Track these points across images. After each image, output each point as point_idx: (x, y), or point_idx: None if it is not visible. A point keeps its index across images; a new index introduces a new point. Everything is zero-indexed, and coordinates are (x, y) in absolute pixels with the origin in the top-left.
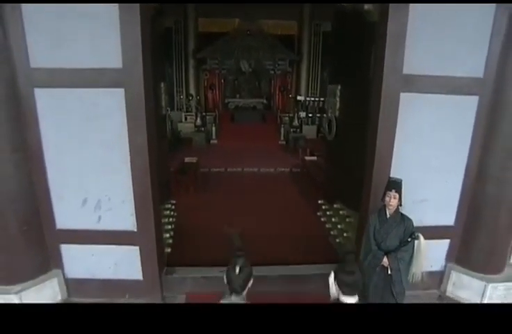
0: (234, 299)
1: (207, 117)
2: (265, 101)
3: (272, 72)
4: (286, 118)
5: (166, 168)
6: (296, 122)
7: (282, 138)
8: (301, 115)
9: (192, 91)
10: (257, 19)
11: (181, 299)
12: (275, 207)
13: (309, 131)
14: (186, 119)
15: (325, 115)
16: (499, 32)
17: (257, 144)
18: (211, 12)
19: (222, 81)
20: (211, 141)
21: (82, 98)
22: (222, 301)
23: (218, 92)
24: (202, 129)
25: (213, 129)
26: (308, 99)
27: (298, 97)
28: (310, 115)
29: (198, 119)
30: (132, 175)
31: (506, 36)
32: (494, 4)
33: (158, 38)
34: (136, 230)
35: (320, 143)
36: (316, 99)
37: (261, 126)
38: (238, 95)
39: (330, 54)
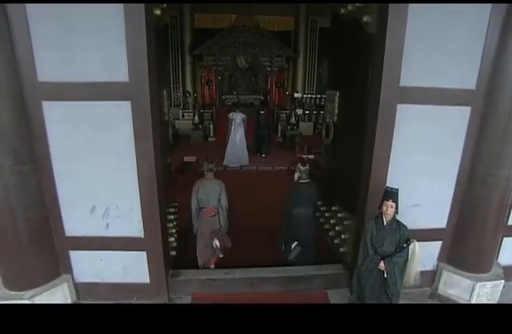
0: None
1: (204, 114)
2: (262, 97)
3: (269, 69)
4: (283, 115)
5: (169, 171)
6: (292, 120)
7: (279, 135)
8: (298, 112)
9: (189, 87)
10: (254, 14)
11: (186, 300)
12: (274, 207)
13: (306, 127)
14: (183, 116)
15: (322, 112)
16: (490, 45)
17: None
18: (208, 8)
19: (219, 77)
20: (209, 139)
21: (89, 110)
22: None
23: (214, 88)
24: (200, 126)
25: (211, 126)
26: (305, 96)
27: (295, 94)
28: (307, 112)
29: (196, 117)
30: (139, 183)
31: (498, 49)
32: (487, 19)
33: (162, 42)
34: (143, 236)
35: (316, 140)
36: (313, 96)
37: None
38: (235, 92)
39: (328, 59)
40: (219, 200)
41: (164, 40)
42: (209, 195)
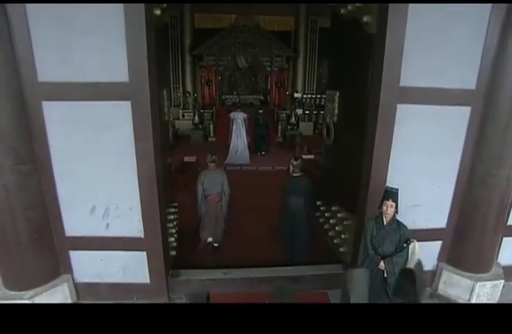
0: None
1: (205, 114)
2: (262, 97)
3: (269, 69)
4: (283, 115)
5: (169, 171)
6: (293, 120)
7: (279, 135)
8: (298, 112)
9: (189, 87)
10: (254, 14)
11: (186, 300)
12: (274, 207)
13: (306, 127)
14: (183, 116)
15: (322, 112)
16: (490, 45)
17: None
18: (208, 8)
19: (219, 77)
20: (209, 139)
21: (89, 110)
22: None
23: (214, 88)
24: (200, 126)
25: (211, 126)
26: (305, 96)
27: (295, 94)
28: (307, 112)
29: (196, 117)
30: (139, 183)
31: (498, 49)
32: (487, 19)
33: (162, 42)
34: (143, 236)
35: (316, 140)
36: (313, 96)
37: None
38: (235, 92)
39: (328, 59)
40: (222, 187)
41: (164, 40)
42: (213, 184)
